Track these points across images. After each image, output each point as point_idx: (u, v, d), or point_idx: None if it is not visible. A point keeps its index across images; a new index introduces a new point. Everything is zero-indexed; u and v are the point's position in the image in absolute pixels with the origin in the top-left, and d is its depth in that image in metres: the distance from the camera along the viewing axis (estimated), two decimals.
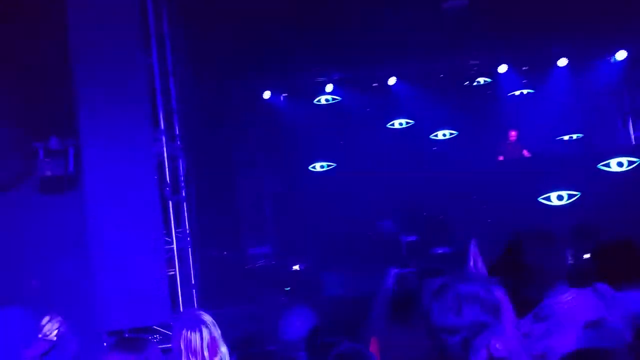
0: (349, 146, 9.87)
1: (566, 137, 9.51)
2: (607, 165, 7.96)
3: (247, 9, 6.72)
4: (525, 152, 8.78)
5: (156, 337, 4.20)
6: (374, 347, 2.26)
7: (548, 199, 7.81)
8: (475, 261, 2.60)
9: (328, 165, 9.80)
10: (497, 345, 1.39)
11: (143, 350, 2.08)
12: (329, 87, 9.76)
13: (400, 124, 9.97)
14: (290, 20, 7.40)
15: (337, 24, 7.68)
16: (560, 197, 7.77)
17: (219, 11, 6.42)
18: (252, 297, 5.59)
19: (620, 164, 7.90)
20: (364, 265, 7.44)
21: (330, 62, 9.17)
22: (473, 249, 2.06)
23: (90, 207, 4.21)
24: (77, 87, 4.36)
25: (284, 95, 10.06)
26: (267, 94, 9.75)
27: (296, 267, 6.79)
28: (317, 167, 9.86)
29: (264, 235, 8.97)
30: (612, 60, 9.37)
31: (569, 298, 1.98)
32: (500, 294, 1.52)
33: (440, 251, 6.87)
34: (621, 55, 9.17)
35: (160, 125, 4.55)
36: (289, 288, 5.75)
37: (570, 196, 7.72)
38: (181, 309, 4.31)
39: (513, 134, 8.89)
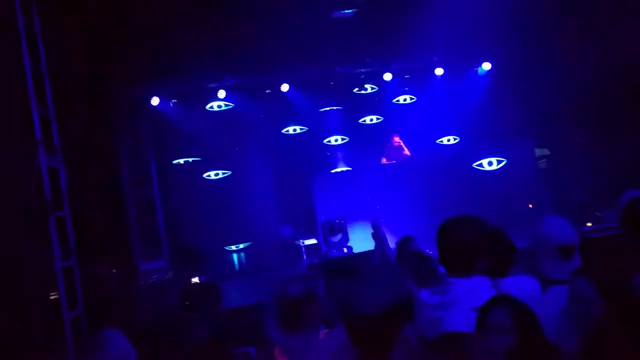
0: (244, 153, 9.80)
1: (445, 140, 10.40)
2: (480, 165, 8.97)
3: (134, 4, 6.38)
4: (407, 152, 9.41)
5: None
6: (279, 356, 2.26)
7: (481, 165, 8.86)
8: (382, 241, 2.70)
9: (223, 173, 9.63)
10: None
11: None
12: (222, 93, 9.61)
13: (295, 129, 10.12)
14: (181, 21, 7.16)
15: (230, 28, 7.59)
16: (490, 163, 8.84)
17: (103, 7, 5.99)
18: (147, 315, 5.27)
19: (490, 163, 8.94)
20: (266, 273, 7.44)
21: (223, 68, 9.04)
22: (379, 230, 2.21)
23: None
24: None
25: (173, 101, 9.69)
26: (155, 100, 9.32)
27: (195, 280, 6.54)
28: (212, 174, 9.64)
29: (158, 249, 8.54)
30: (479, 70, 10.45)
31: (468, 282, 2.19)
32: None
33: (338, 253, 7.09)
34: (486, 66, 10.28)
35: (36, 135, 4.10)
36: (188, 302, 5.51)
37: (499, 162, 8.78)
38: (68, 336, 3.91)
39: (396, 138, 9.46)
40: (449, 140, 10.42)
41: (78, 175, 5.31)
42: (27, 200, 3.74)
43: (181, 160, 9.53)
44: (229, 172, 9.61)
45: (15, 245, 3.65)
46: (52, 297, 4.16)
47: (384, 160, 9.36)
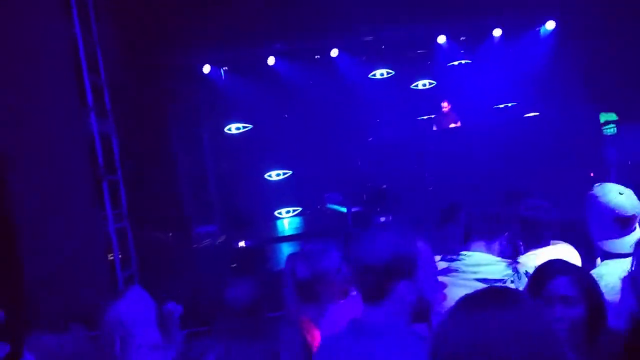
0: (292, 119, 9.80)
1: (501, 106, 9.89)
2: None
3: None
4: (458, 123, 9.01)
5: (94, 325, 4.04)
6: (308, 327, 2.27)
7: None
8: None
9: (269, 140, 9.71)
10: None
11: (68, 331, 2.00)
12: (271, 60, 9.59)
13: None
14: None
15: None
16: None
17: None
18: (198, 277, 5.48)
19: None
20: (313, 238, 7.51)
21: (272, 35, 8.97)
22: None
23: (16, 189, 3.92)
24: None
25: (224, 68, 9.78)
26: (206, 68, 9.45)
27: (242, 244, 6.73)
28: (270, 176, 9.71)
29: (210, 213, 8.82)
30: (541, 30, 9.75)
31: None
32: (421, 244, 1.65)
33: (383, 219, 7.02)
34: (550, 25, 9.56)
35: (88, 101, 4.26)
36: (235, 265, 5.68)
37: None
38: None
39: (445, 104, 9.06)
40: (506, 105, 9.89)
41: (131, 141, 5.51)
42: (81, 165, 3.92)
43: (232, 128, 9.69)
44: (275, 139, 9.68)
45: (70, 208, 3.86)
46: (108, 258, 4.40)
47: (434, 128, 9.06)
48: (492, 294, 1.13)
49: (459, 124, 8.93)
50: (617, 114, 8.60)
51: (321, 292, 2.19)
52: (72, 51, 4.15)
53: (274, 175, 9.81)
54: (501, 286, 1.20)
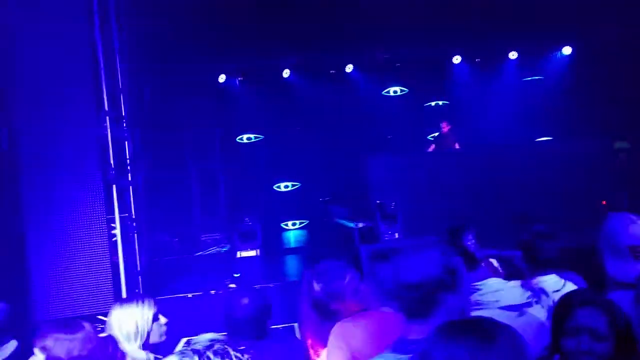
0: (307, 134, 9.85)
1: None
2: None
3: None
4: (456, 145, 8.94)
5: (99, 326, 4.04)
6: (313, 343, 2.24)
7: None
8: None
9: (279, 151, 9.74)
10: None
11: (77, 330, 1.99)
12: (286, 72, 9.67)
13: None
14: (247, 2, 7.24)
15: (296, 9, 7.58)
16: None
17: None
18: (200, 284, 5.47)
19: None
20: (318, 250, 7.49)
21: (288, 48, 9.06)
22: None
23: (25, 189, 3.97)
24: (13, 63, 4.06)
25: (239, 79, 9.87)
26: (222, 78, 9.55)
27: (247, 254, 6.71)
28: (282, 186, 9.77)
29: (218, 222, 8.84)
30: (558, 55, 9.76)
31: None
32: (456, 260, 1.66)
33: (391, 236, 6.97)
34: (566, 50, 9.57)
35: (104, 106, 4.32)
36: (238, 274, 5.66)
37: None
38: (124, 297, 4.15)
39: (444, 125, 9.01)
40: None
41: (145, 147, 5.56)
42: (93, 169, 3.96)
43: (244, 138, 9.74)
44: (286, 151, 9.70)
45: (79, 209, 3.89)
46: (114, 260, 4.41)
47: (431, 148, 8.99)
48: (473, 326, 1.14)
49: (457, 145, 8.86)
50: (630, 142, 8.53)
51: (337, 310, 2.15)
52: (91, 56, 4.22)
53: (283, 186, 9.82)
54: (483, 318, 1.20)
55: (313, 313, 2.19)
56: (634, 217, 2.46)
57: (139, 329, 2.12)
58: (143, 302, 2.19)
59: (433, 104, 10.14)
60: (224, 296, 2.87)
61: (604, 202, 7.86)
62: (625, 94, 8.25)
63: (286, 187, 9.84)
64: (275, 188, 9.75)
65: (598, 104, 8.64)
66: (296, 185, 9.81)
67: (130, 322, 2.10)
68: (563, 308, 1.76)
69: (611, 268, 2.43)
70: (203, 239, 8.33)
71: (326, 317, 2.15)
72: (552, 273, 2.60)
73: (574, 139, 8.36)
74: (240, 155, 9.63)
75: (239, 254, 6.75)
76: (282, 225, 9.48)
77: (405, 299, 1.59)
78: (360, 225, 7.68)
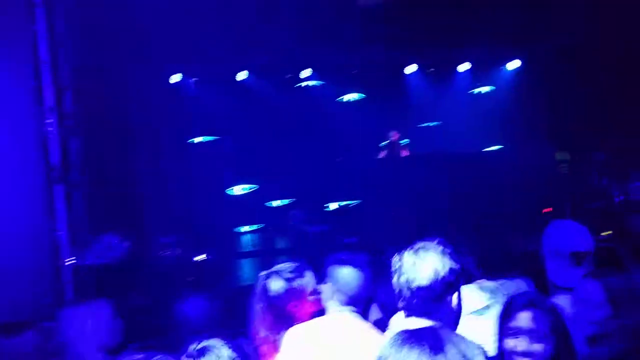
0: (260, 134, 9.75)
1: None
2: None
3: None
4: (405, 152, 9.12)
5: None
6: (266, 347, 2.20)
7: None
8: None
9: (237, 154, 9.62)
10: None
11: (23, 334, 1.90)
12: (242, 75, 9.58)
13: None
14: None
15: (256, 9, 7.53)
16: None
17: None
18: (151, 288, 5.30)
19: None
20: (272, 257, 7.44)
21: (245, 49, 8.97)
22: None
23: None
24: None
25: (194, 79, 9.69)
26: (176, 77, 9.34)
27: (201, 257, 6.57)
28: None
29: (170, 225, 8.59)
30: (506, 68, 10.18)
31: None
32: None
33: (348, 241, 7.02)
34: (515, 64, 9.96)
35: (47, 102, 4.10)
36: (192, 278, 5.54)
37: None
38: (69, 302, 3.95)
39: (395, 134, 9.16)
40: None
41: (93, 146, 5.32)
42: (33, 166, 3.76)
43: (196, 140, 9.55)
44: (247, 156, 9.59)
45: (19, 210, 3.68)
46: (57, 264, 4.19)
47: (382, 154, 9.15)
48: (425, 335, 1.18)
49: (406, 153, 9.11)
50: (571, 153, 9.00)
51: (294, 311, 2.13)
52: (31, 49, 4.00)
53: (239, 189, 9.69)
54: (436, 328, 1.24)
55: (268, 315, 2.16)
56: (576, 225, 2.59)
57: None
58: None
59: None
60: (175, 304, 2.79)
61: (545, 210, 8.23)
62: (568, 105, 8.70)
63: (243, 189, 9.73)
64: (228, 192, 9.61)
65: (543, 115, 9.06)
66: (253, 187, 9.72)
67: None
68: (505, 312, 1.84)
69: (552, 273, 2.54)
70: (155, 242, 8.08)
71: (281, 319, 2.13)
72: (502, 279, 2.68)
73: (521, 148, 8.72)
74: (194, 157, 9.44)
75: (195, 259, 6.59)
76: (236, 230, 9.34)
77: (411, 299, 1.65)
78: (315, 229, 7.71)
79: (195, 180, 9.12)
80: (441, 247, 1.69)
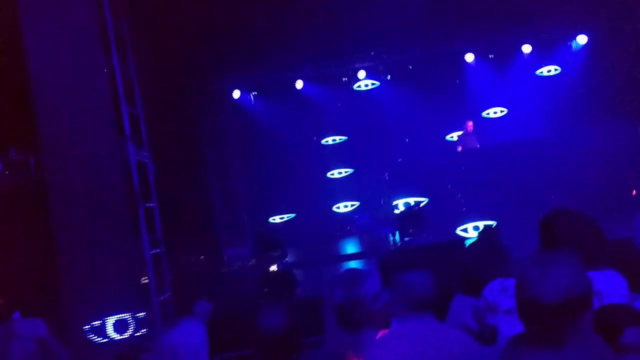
0: (320, 143, 9.89)
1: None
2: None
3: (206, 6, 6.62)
4: (477, 144, 8.82)
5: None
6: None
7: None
8: None
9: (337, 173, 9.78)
10: None
11: None
12: (299, 84, 9.74)
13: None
14: (260, 14, 7.32)
15: (308, 20, 7.64)
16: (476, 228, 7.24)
17: (180, 11, 6.28)
18: (229, 301, 5.51)
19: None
20: (342, 261, 7.48)
21: (301, 59, 9.11)
22: None
23: (56, 217, 4.08)
24: (35, 95, 4.20)
25: (253, 93, 9.99)
26: (236, 93, 9.67)
27: (273, 267, 6.73)
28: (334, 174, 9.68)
29: (241, 237, 8.89)
30: (572, 45, 9.60)
31: None
32: None
33: (415, 242, 6.92)
34: (582, 39, 9.39)
35: (126, 131, 4.42)
36: (267, 289, 5.68)
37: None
38: (156, 317, 4.21)
39: (470, 124, 8.92)
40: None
41: (166, 167, 5.65)
42: (118, 193, 4.05)
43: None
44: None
45: (109, 234, 3.97)
46: (143, 282, 4.49)
47: (459, 149, 8.92)
48: None
49: (477, 145, 8.80)
50: None
51: (359, 319, 2.15)
52: (110, 83, 4.34)
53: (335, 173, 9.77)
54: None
55: (338, 324, 2.17)
56: None
57: None
58: None
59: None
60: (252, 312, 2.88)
61: (634, 192, 7.66)
62: None
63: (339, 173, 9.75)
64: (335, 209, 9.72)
65: (620, 90, 8.43)
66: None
67: None
68: (607, 326, 1.67)
69: None
70: (228, 254, 8.40)
71: (350, 327, 2.14)
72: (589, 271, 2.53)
73: (598, 128, 8.17)
74: (259, 170, 9.70)
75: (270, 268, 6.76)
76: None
77: (536, 322, 1.39)
78: (386, 231, 7.64)
79: (262, 191, 9.37)
80: (572, 259, 1.44)
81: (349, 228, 9.15)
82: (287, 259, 7.37)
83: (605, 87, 8.69)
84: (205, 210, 8.11)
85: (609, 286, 2.16)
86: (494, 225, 6.43)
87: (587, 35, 9.33)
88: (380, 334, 2.06)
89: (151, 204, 4.73)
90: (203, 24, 7.05)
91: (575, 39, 9.48)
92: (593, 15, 8.52)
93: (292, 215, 9.59)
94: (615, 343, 1.64)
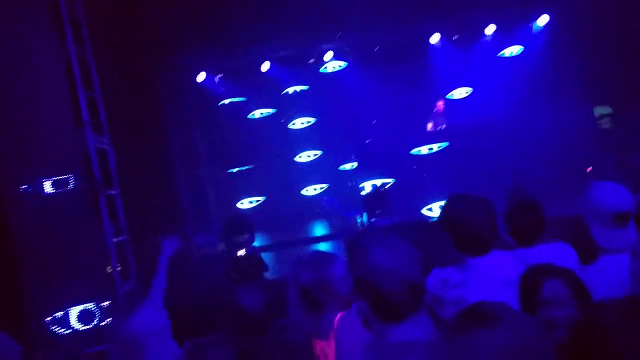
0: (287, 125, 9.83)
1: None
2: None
3: None
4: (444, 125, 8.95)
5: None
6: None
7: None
8: None
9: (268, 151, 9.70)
10: None
11: None
12: (266, 66, 9.62)
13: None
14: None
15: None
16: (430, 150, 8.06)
17: None
18: (198, 286, 5.46)
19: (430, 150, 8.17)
20: (310, 244, 7.52)
21: (266, 41, 8.97)
22: None
23: (13, 207, 3.92)
24: None
25: (219, 76, 9.80)
26: (201, 76, 9.47)
27: (241, 252, 6.69)
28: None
29: (208, 223, 8.80)
30: (533, 26, 9.78)
31: (490, 257, 2.14)
32: None
33: (380, 222, 7.01)
34: (543, 20, 9.56)
35: (83, 117, 4.27)
36: (235, 274, 5.67)
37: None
38: (121, 307, 4.14)
39: (440, 103, 9.01)
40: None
41: (128, 154, 5.50)
42: (78, 181, 3.93)
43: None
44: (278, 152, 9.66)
45: (69, 223, 3.86)
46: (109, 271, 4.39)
47: (429, 127, 9.03)
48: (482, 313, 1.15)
49: (444, 126, 8.92)
50: (613, 108, 8.58)
51: (325, 301, 2.15)
52: (66, 67, 4.16)
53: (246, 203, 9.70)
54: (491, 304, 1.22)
55: (303, 305, 2.18)
56: (616, 185, 2.50)
57: None
58: None
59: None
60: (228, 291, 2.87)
61: (589, 169, 7.95)
62: (605, 58, 8.29)
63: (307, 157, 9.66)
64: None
65: (579, 71, 8.67)
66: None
67: None
68: (529, 283, 1.85)
69: (598, 236, 2.48)
70: (195, 240, 8.30)
71: (315, 309, 2.15)
72: (540, 244, 2.64)
73: (557, 109, 8.42)
74: (225, 154, 9.59)
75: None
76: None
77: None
78: (352, 213, 7.71)
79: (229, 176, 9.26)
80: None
81: (317, 211, 9.19)
82: (255, 243, 7.34)
83: (562, 69, 8.92)
84: (171, 197, 7.97)
85: (558, 257, 2.24)
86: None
87: (549, 15, 9.50)
88: (339, 315, 2.08)
89: (113, 192, 4.60)
90: (164, 2, 6.86)
91: (537, 19, 9.65)
92: None
93: (261, 199, 9.55)
94: (536, 299, 1.78)
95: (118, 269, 4.25)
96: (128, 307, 4.08)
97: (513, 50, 9.93)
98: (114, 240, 4.37)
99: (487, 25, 9.67)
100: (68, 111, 4.08)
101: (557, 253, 2.53)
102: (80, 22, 4.70)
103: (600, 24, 8.20)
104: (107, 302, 3.87)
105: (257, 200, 9.57)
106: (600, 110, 8.59)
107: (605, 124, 8.65)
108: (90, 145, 4.21)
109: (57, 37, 4.19)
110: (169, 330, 2.24)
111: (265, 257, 6.48)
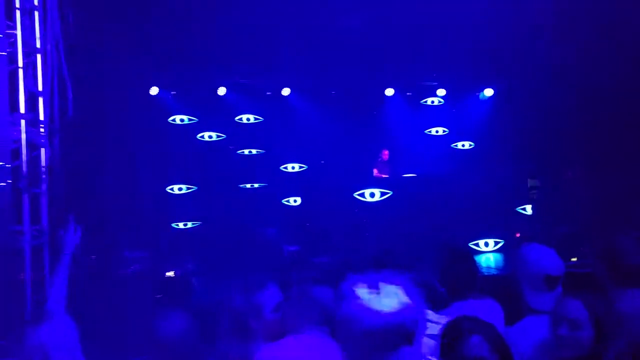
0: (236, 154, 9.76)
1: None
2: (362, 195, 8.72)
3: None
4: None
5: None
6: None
7: (362, 195, 8.65)
8: None
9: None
10: None
11: None
12: (222, 91, 9.57)
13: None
14: (185, 17, 7.15)
15: (231, 29, 7.59)
16: (372, 195, 8.57)
17: None
18: (121, 305, 5.12)
19: (372, 195, 8.70)
20: (243, 273, 7.30)
21: (225, 65, 8.98)
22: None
23: None
24: None
25: (172, 92, 9.63)
26: (154, 90, 9.26)
27: (170, 274, 6.40)
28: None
29: (140, 239, 8.37)
30: (480, 96, 10.43)
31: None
32: None
33: (320, 260, 6.97)
34: (488, 92, 10.22)
35: (19, 109, 3.99)
36: (160, 295, 5.38)
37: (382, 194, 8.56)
38: (28, 319, 3.76)
39: (385, 153, 9.44)
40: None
41: (64, 155, 5.17)
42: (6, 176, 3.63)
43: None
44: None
45: None
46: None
47: (375, 172, 9.35)
48: None
49: (387, 175, 9.32)
50: (541, 181, 9.22)
51: (254, 327, 2.07)
52: (9, 54, 3.91)
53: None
54: None
55: (234, 331, 2.08)
56: (547, 248, 2.62)
57: None
58: None
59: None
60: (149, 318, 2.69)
61: (517, 235, 8.39)
62: (539, 132, 8.95)
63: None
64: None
65: (515, 141, 9.28)
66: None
67: None
68: (450, 339, 1.84)
69: (528, 297, 2.56)
70: (126, 256, 7.85)
71: (244, 335, 2.06)
72: (469, 299, 2.69)
73: (493, 172, 8.91)
74: (167, 169, 9.32)
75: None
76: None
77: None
78: (290, 248, 7.63)
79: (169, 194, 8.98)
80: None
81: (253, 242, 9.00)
82: (188, 266, 7.08)
83: (503, 138, 9.54)
84: (104, 207, 7.55)
85: (485, 313, 2.29)
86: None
87: (493, 89, 10.19)
88: (268, 346, 2.00)
89: (38, 190, 4.26)
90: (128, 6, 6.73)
91: (483, 91, 10.30)
92: (497, 72, 9.37)
93: (197, 223, 9.28)
94: (456, 353, 1.78)
95: (30, 276, 3.89)
96: (37, 317, 3.71)
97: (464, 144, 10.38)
98: (33, 244, 4.02)
99: (437, 89, 10.21)
100: (4, 99, 3.80)
101: (485, 309, 2.59)
102: (33, 11, 4.46)
103: (536, 100, 8.91)
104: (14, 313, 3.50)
105: (193, 224, 9.28)
106: (530, 183, 9.22)
107: (533, 195, 9.29)
108: (23, 139, 3.92)
109: (5, 21, 3.94)
110: (77, 341, 2.06)
111: (197, 280, 6.26)
